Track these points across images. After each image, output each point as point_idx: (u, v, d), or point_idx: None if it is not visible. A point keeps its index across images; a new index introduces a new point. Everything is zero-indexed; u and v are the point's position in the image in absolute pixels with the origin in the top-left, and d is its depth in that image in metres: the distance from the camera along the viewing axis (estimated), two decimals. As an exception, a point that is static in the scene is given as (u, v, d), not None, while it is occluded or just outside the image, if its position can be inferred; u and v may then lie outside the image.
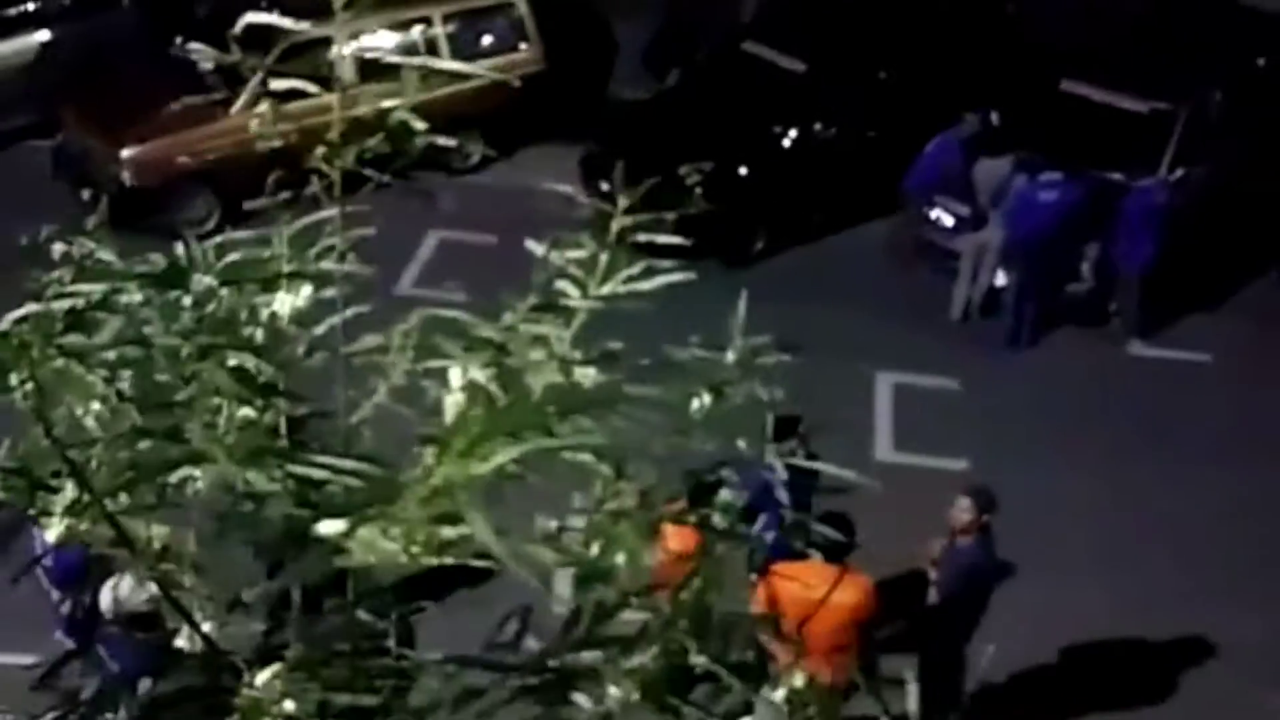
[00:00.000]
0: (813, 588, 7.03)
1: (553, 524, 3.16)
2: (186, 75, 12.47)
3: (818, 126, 12.49)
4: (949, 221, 11.74)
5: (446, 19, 13.00)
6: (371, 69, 12.50)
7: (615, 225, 3.42)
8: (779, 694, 7.26)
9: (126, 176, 11.66)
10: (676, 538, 7.34)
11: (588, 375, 3.24)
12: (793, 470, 7.80)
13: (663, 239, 3.17)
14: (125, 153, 11.73)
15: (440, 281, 11.95)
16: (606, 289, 3.31)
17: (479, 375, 2.93)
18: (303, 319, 3.18)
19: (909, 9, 13.13)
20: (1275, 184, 12.04)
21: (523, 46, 13.42)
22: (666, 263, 3.48)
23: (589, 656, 2.77)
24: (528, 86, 13.40)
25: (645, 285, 3.39)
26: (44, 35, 13.10)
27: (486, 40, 13.30)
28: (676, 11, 14.71)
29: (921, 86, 12.55)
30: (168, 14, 13.46)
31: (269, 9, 12.42)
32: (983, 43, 12.93)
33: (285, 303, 3.20)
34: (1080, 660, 8.51)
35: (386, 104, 11.47)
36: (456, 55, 13.10)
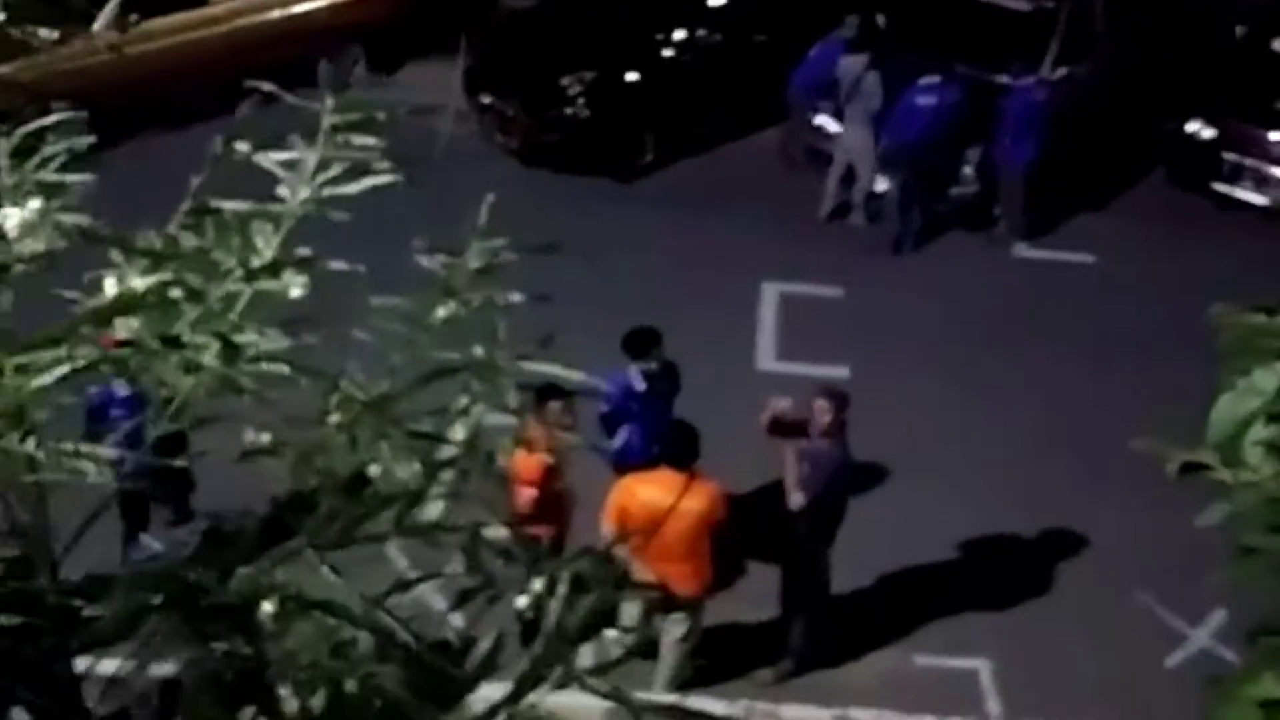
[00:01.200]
0: (662, 495, 7.00)
1: (264, 438, 3.06)
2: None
3: (702, 32, 12.27)
4: (833, 126, 11.61)
5: (319, -70, 12.59)
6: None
7: (325, 123, 3.30)
8: (633, 605, 7.24)
9: (-14, 98, 11.22)
10: (525, 465, 7.21)
11: (296, 283, 3.14)
12: (651, 380, 7.79)
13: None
14: (-15, 73, 11.29)
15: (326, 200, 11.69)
16: (305, 193, 3.20)
17: (138, 283, 2.80)
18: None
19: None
20: (1157, 82, 12.01)
21: (403, -43, 13.05)
22: (382, 165, 3.36)
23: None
24: (412, -1, 13.12)
25: (349, 188, 3.28)
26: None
27: (363, -50, 12.90)
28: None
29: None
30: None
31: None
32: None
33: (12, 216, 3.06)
34: (948, 561, 8.56)
35: (261, 18, 11.12)
36: (334, -33, 12.74)
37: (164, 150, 11.75)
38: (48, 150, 3.10)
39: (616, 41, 12.13)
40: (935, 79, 10.88)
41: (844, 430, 7.50)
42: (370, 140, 3.37)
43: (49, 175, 3.08)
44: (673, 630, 7.36)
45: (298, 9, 12.60)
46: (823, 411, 7.38)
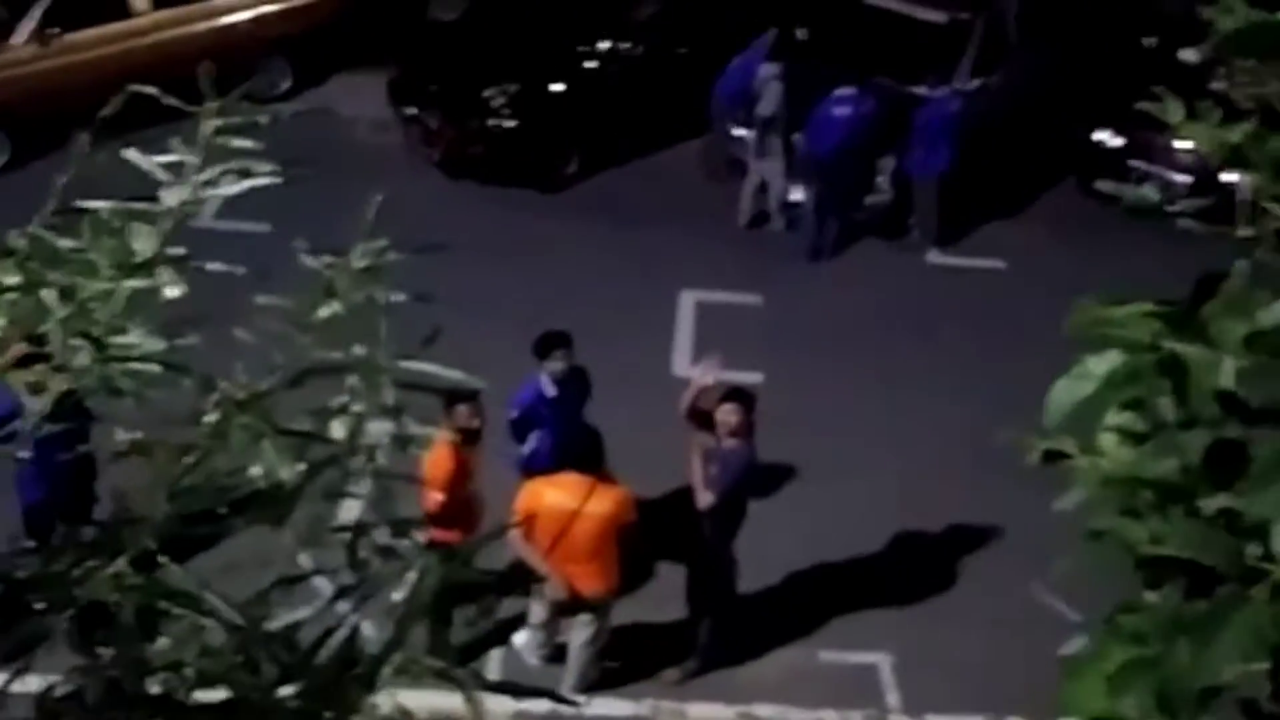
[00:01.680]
0: (568, 499, 7.12)
1: (135, 436, 3.16)
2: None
3: (625, 45, 12.44)
4: (749, 136, 11.80)
5: (244, -58, 12.66)
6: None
7: (206, 128, 3.37)
8: (538, 606, 7.36)
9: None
10: (433, 468, 7.31)
11: (171, 283, 3.23)
12: (560, 384, 7.91)
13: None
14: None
15: (236, 213, 11.76)
16: (183, 195, 3.26)
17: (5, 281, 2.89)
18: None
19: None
20: (1068, 92, 12.30)
21: (330, -31, 13.13)
22: (265, 167, 3.41)
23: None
24: (338, 8, 13.20)
25: (227, 190, 3.32)
26: None
27: (290, -38, 12.98)
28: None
29: (727, 1, 12.56)
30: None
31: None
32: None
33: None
34: (852, 559, 8.74)
35: (184, 30, 11.27)
36: (257, -23, 12.81)
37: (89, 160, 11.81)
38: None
39: (540, 53, 12.28)
40: (850, 90, 11.10)
41: (751, 432, 7.65)
42: (248, 144, 3.40)
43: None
44: (580, 632, 7.49)
45: (222, 21, 12.67)
46: (729, 413, 7.53)
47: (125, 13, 12.12)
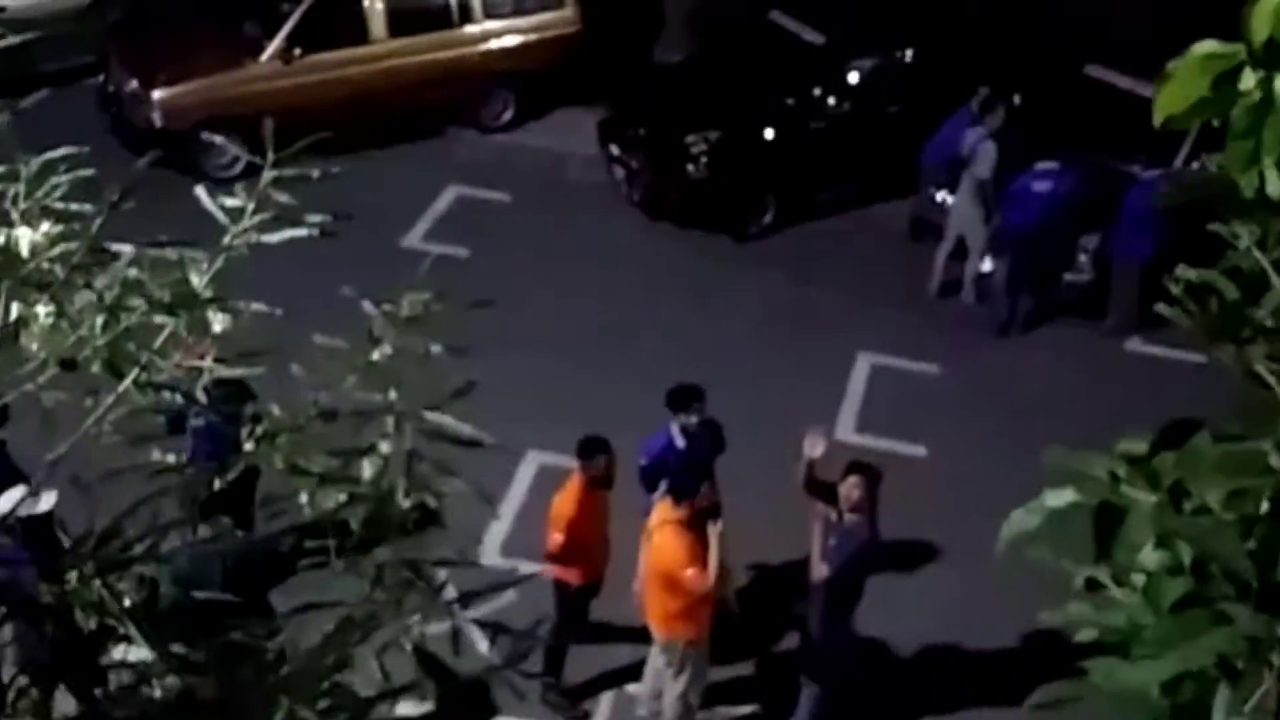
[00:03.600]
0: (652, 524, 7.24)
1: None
2: (227, 21, 13.03)
3: (832, 100, 12.40)
4: (949, 200, 11.58)
5: (480, -22, 13.24)
6: (405, 24, 13.11)
7: (265, 178, 3.59)
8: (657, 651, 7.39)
9: (156, 118, 12.22)
10: (559, 510, 7.58)
11: (219, 319, 3.48)
12: (690, 437, 7.98)
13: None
14: (155, 95, 12.29)
15: (442, 237, 12.31)
16: (227, 239, 3.47)
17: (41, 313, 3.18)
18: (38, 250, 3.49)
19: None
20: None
21: (558, 8, 13.59)
22: (315, 218, 3.58)
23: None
24: (566, 48, 13.65)
25: (271, 237, 3.52)
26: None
27: (521, 1, 13.49)
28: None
29: (943, 64, 12.36)
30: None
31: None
32: (1007, 21, 12.65)
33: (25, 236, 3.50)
34: (984, 654, 8.43)
35: (418, 59, 12.15)
36: (491, 14, 13.36)
37: (325, 175, 12.57)
38: (55, 180, 3.51)
39: (749, 103, 12.37)
40: (1053, 165, 10.74)
41: (875, 508, 7.52)
42: (285, 199, 3.57)
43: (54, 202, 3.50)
44: (671, 683, 7.52)
45: (453, 52, 13.27)
46: (852, 487, 7.42)
47: (365, 39, 12.86)
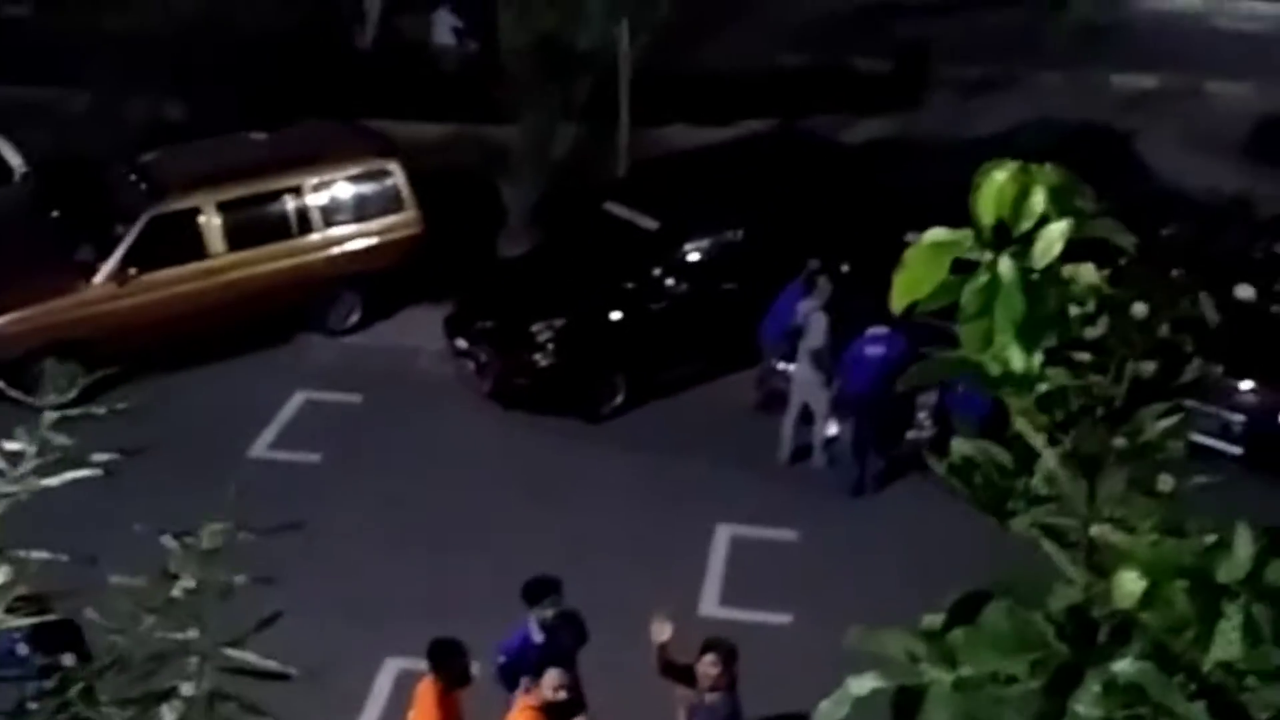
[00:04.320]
0: None
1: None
2: (59, 247, 12.94)
3: (669, 281, 12.74)
4: (791, 369, 11.89)
5: (317, 187, 13.42)
6: (243, 237, 13.14)
7: (46, 420, 3.55)
8: None
9: (-11, 347, 11.99)
10: (421, 708, 7.39)
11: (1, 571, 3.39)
12: (548, 630, 7.89)
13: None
14: (-12, 324, 12.09)
15: (291, 443, 12.19)
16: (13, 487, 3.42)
17: None
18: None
19: (760, 169, 13.55)
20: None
21: (399, 210, 13.82)
22: (102, 456, 3.55)
23: None
24: (409, 248, 13.84)
25: (49, 481, 3.48)
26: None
27: (361, 205, 13.70)
28: (560, 175, 15.18)
29: (773, 240, 12.82)
30: (54, 186, 13.99)
31: (138, 182, 12.93)
32: (833, 196, 13.24)
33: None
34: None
35: (259, 270, 12.12)
36: (331, 221, 13.51)
37: (170, 390, 12.41)
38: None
39: (589, 290, 12.65)
40: (882, 330, 11.14)
41: (734, 685, 7.49)
42: (65, 440, 3.55)
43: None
44: None
45: (295, 260, 13.33)
46: (709, 665, 7.40)
47: (202, 254, 12.85)
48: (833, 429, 11.51)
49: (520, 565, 8.78)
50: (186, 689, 3.27)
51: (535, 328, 12.32)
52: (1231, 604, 2.73)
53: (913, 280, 2.76)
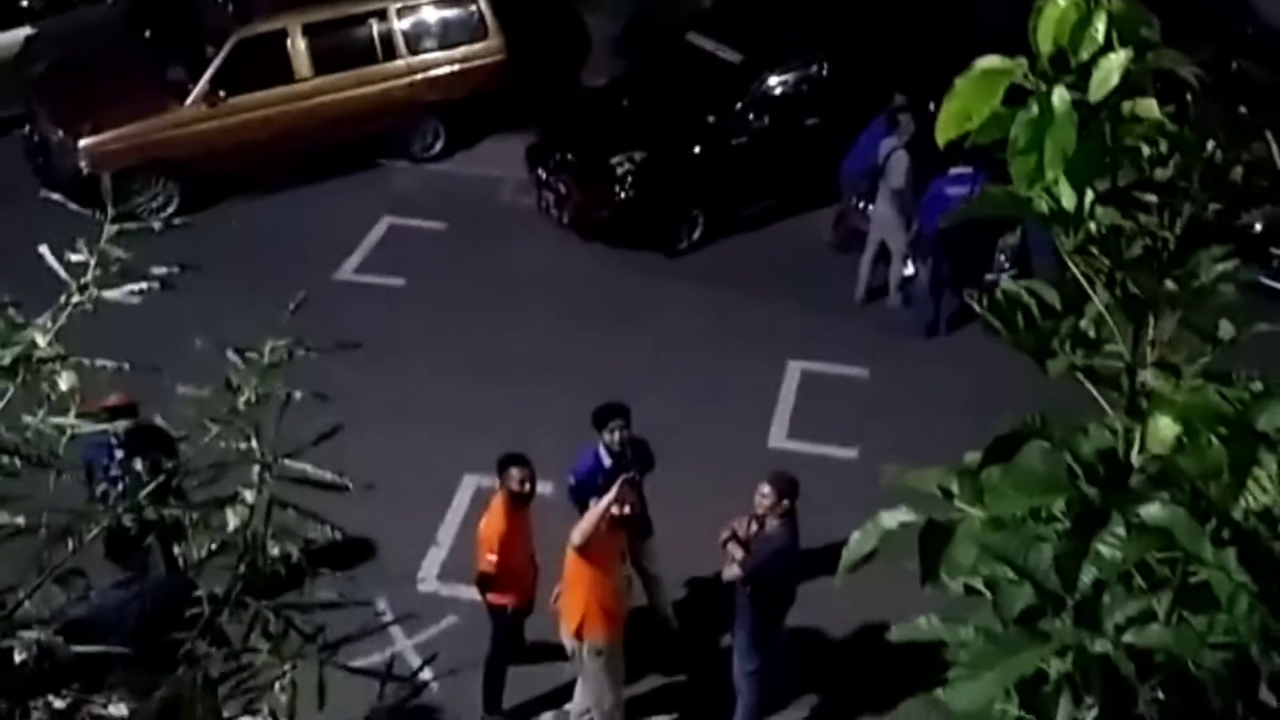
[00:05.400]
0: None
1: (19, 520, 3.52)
2: (151, 68, 13.11)
3: (752, 115, 12.61)
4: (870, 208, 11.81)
5: (401, 12, 13.38)
6: (329, 61, 13.32)
7: (107, 231, 3.66)
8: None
9: (83, 165, 12.29)
10: (487, 532, 7.78)
11: (64, 377, 3.56)
12: (615, 455, 8.15)
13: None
14: (82, 142, 12.36)
15: (376, 268, 12.44)
16: (63, 298, 3.55)
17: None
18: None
19: (846, 2, 13.22)
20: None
21: (483, 38, 13.75)
22: (158, 270, 3.66)
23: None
24: (492, 76, 13.82)
25: (112, 293, 3.59)
26: (28, 30, 13.84)
27: (445, 32, 13.65)
28: (644, 3, 14.95)
29: (858, 75, 12.60)
30: (146, 8, 14.10)
31: (226, 4, 13.00)
32: (921, 30, 12.91)
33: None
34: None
35: (344, 94, 12.36)
36: (415, 47, 13.50)
37: (249, 214, 12.69)
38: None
39: (670, 123, 12.56)
40: (966, 169, 10.97)
41: (790, 515, 7.67)
42: (121, 253, 3.61)
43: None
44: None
45: (380, 86, 13.39)
46: (762, 496, 7.59)
47: (290, 78, 12.96)
48: (910, 269, 11.48)
49: (595, 392, 8.99)
50: (249, 496, 3.41)
51: (615, 160, 12.32)
52: (1269, 453, 2.74)
53: (961, 110, 2.59)
